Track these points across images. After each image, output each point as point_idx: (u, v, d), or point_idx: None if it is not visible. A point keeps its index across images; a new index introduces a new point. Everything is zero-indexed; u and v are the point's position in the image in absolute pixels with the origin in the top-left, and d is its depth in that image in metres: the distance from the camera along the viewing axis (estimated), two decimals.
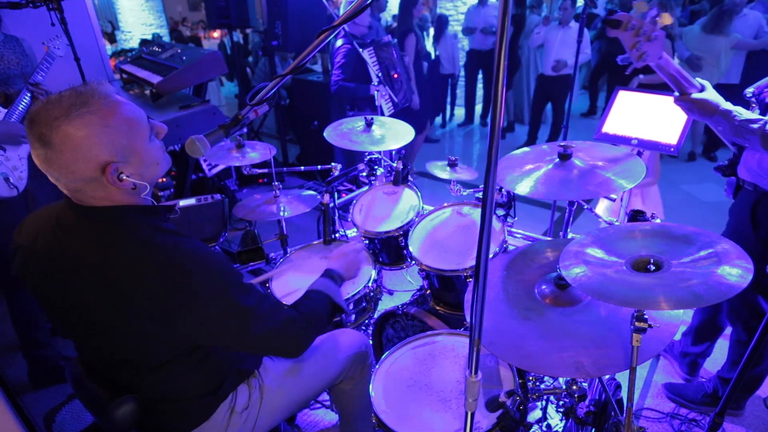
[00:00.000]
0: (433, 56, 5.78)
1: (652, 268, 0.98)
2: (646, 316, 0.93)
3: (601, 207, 2.54)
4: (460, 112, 6.51)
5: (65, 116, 0.91)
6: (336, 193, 2.59)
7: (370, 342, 1.97)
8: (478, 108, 6.45)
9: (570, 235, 2.14)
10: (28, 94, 2.06)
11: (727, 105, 1.39)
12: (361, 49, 3.06)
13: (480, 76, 6.05)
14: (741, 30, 4.04)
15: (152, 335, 1.04)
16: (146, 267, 0.98)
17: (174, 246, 1.01)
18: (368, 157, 2.52)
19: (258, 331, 1.09)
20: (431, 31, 6.01)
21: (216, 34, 8.79)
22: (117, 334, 1.05)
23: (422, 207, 2.08)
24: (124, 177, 0.98)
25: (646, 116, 1.87)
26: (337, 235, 2.37)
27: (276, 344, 1.17)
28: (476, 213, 1.96)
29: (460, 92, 6.43)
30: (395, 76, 3.49)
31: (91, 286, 1.00)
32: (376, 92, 2.99)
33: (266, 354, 1.34)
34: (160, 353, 1.07)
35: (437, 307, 1.82)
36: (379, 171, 2.48)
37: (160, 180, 1.13)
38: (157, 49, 3.94)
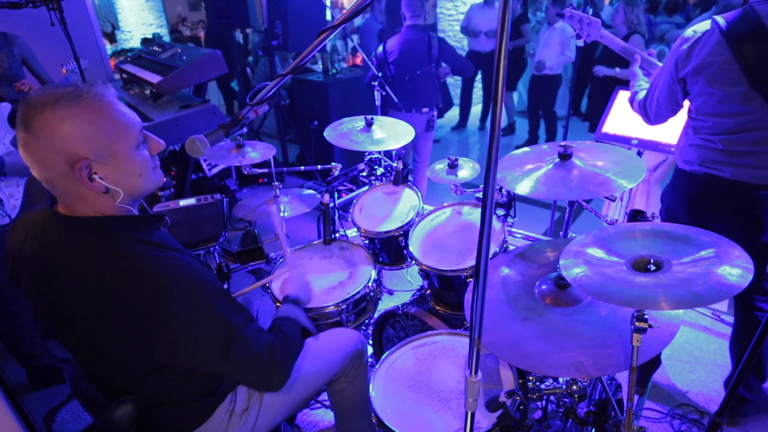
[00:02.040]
0: None
1: (653, 268, 0.98)
2: (646, 316, 0.93)
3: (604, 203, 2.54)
4: (455, 113, 6.45)
5: (52, 105, 0.91)
6: (336, 193, 2.59)
7: (370, 341, 1.97)
8: (476, 109, 6.41)
9: (570, 235, 2.14)
10: None
11: (638, 81, 1.80)
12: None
13: (479, 77, 6.01)
14: None
15: (130, 351, 1.02)
16: (124, 280, 0.95)
17: (156, 260, 0.98)
18: (368, 156, 2.52)
19: (241, 353, 1.05)
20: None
21: None
22: (99, 346, 1.04)
23: (422, 207, 2.08)
24: (97, 178, 0.96)
25: None
26: (337, 235, 2.36)
27: (258, 370, 1.11)
28: (476, 213, 1.96)
29: (457, 93, 6.39)
30: None
31: (71, 295, 0.99)
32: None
33: (247, 383, 1.22)
34: (146, 365, 1.05)
35: (437, 307, 1.82)
36: (380, 171, 2.48)
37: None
38: (157, 48, 3.94)
